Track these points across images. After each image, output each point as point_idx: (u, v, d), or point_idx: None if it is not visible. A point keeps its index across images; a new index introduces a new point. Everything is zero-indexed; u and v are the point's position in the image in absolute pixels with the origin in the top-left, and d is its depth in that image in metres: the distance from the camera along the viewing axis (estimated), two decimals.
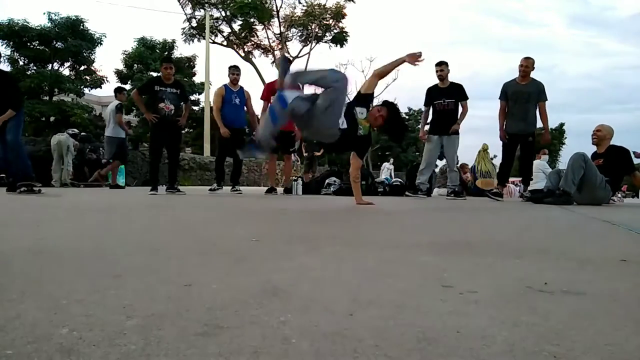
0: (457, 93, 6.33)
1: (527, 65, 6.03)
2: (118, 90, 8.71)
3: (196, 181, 15.46)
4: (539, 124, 6.30)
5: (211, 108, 7.26)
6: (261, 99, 6.86)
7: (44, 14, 25.46)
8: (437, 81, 6.42)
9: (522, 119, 6.06)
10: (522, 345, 0.62)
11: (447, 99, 6.29)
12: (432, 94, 6.42)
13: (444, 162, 9.74)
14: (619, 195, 6.95)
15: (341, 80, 3.47)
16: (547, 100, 6.10)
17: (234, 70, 6.78)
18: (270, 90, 6.68)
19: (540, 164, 9.04)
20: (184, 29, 25.90)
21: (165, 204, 3.98)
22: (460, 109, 6.33)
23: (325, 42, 26.82)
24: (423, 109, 6.74)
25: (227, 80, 6.81)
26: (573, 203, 4.94)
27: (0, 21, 21.36)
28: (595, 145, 5.37)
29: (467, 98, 6.36)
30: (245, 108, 6.85)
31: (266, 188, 7.27)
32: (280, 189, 7.07)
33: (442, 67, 6.34)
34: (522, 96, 6.04)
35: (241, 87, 6.80)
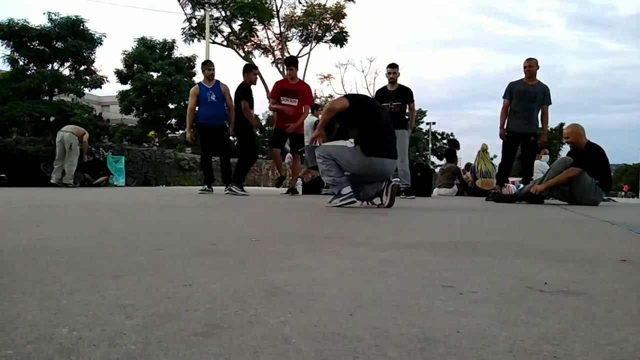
0: (405, 96, 6.33)
1: (531, 65, 6.04)
2: (315, 107, 9.04)
3: (196, 181, 15.48)
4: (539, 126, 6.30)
5: None
6: (270, 97, 6.80)
7: (44, 14, 25.40)
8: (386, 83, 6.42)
9: (525, 117, 6.07)
10: (522, 345, 0.62)
11: (394, 101, 6.28)
12: (380, 96, 6.36)
13: (444, 161, 9.74)
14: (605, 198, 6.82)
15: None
16: (550, 104, 6.11)
17: (209, 66, 6.64)
18: (277, 91, 6.59)
19: (540, 164, 9.03)
20: (184, 29, 25.93)
21: (165, 204, 3.99)
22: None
23: (325, 42, 26.84)
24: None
25: (224, 80, 6.77)
26: (543, 202, 5.01)
27: (0, 21, 21.35)
28: (576, 149, 5.20)
29: (413, 101, 6.40)
30: (225, 103, 6.65)
31: (274, 187, 7.31)
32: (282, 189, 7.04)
33: (394, 69, 6.30)
34: (528, 96, 6.05)
35: (217, 82, 6.62)
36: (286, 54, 25.28)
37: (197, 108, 6.61)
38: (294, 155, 6.86)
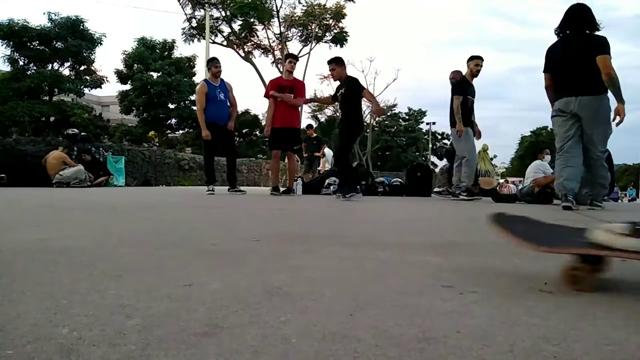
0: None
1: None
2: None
3: (196, 181, 15.48)
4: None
5: None
6: (265, 97, 6.67)
7: (44, 14, 25.42)
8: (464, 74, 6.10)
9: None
10: (522, 345, 0.62)
11: (472, 97, 6.13)
12: (467, 87, 6.05)
13: (444, 162, 9.74)
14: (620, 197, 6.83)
15: None
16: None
17: (217, 63, 6.52)
18: (273, 88, 6.52)
19: (540, 164, 8.98)
20: (184, 29, 25.95)
21: (165, 204, 3.99)
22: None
23: (325, 42, 26.87)
24: (455, 99, 6.03)
25: (225, 79, 6.61)
26: (552, 202, 5.03)
27: (0, 21, 21.36)
28: None
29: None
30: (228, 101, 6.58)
31: (270, 188, 7.17)
32: (281, 189, 6.94)
33: (482, 62, 6.00)
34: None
35: (222, 80, 6.56)
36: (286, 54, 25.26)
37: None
38: (289, 154, 6.70)
